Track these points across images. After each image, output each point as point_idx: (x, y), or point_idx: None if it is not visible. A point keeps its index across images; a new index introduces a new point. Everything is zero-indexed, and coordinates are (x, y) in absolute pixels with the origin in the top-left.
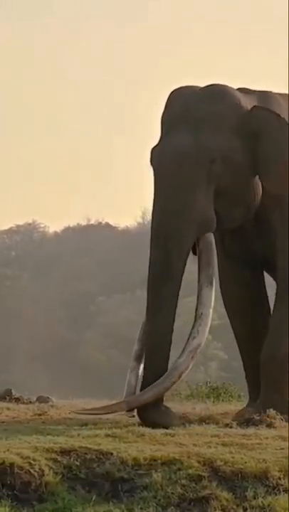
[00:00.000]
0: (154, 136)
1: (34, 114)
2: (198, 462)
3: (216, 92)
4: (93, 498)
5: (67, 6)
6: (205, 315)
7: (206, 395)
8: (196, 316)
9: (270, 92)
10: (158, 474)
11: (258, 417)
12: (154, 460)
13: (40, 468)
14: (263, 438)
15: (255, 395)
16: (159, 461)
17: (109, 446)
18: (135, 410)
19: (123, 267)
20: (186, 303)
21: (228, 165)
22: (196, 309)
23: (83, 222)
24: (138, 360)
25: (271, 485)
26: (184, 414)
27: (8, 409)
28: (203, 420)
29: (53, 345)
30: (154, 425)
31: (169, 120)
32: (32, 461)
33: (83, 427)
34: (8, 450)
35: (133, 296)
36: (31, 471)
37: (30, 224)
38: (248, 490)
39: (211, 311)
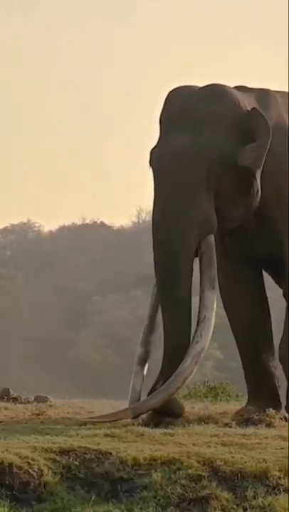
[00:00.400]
0: (150, 135)
1: (30, 114)
2: (198, 462)
3: (215, 92)
4: (92, 498)
5: (67, 5)
6: (208, 318)
7: (203, 395)
8: (198, 319)
9: (269, 90)
10: (157, 474)
11: (258, 417)
12: (154, 460)
13: (39, 468)
14: (262, 438)
15: (254, 395)
16: (159, 461)
17: (109, 446)
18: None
19: (118, 266)
20: None
21: (228, 165)
22: (199, 312)
23: (78, 222)
24: (142, 364)
25: (271, 485)
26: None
27: (6, 408)
28: (202, 420)
29: (49, 344)
30: (164, 413)
31: (168, 120)
32: (31, 461)
33: (82, 427)
34: (6, 450)
35: (128, 295)
36: (30, 471)
37: (25, 223)
38: (248, 490)
39: (213, 314)
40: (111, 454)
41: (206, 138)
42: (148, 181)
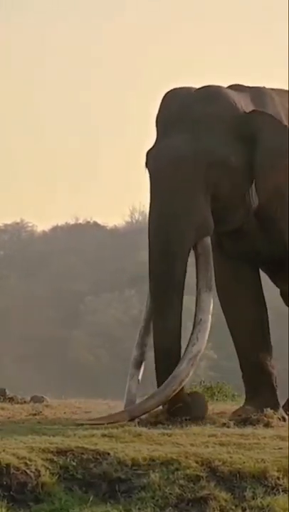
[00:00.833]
0: (144, 135)
1: (22, 113)
2: (196, 462)
3: (212, 94)
4: (90, 499)
5: (66, 5)
6: (204, 321)
7: None
8: (195, 321)
9: (263, 88)
10: (156, 474)
11: (255, 417)
12: (152, 460)
13: (36, 469)
14: (260, 438)
15: (252, 394)
16: (157, 462)
17: (106, 446)
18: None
19: (111, 266)
20: None
21: (226, 168)
22: (195, 315)
23: (71, 222)
24: (137, 366)
25: (270, 485)
26: None
27: (2, 409)
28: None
29: (42, 344)
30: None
31: (165, 121)
32: (28, 462)
33: (79, 427)
34: (4, 450)
35: (122, 295)
36: (27, 471)
37: (18, 223)
38: (247, 490)
39: (210, 316)
40: (109, 454)
41: (204, 140)
42: (141, 181)
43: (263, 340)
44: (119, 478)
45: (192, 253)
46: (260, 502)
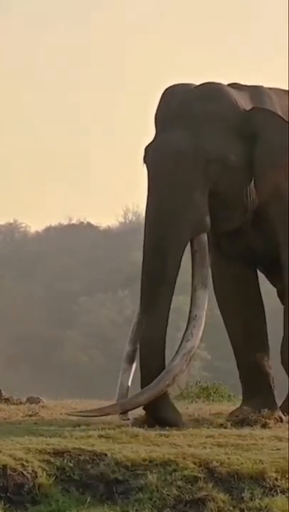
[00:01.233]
0: (137, 136)
1: (15, 114)
2: (194, 463)
3: (212, 91)
4: (87, 500)
5: (66, 5)
6: (199, 317)
7: (196, 395)
8: (189, 317)
9: (261, 86)
10: (153, 476)
11: (253, 417)
12: (149, 461)
13: (33, 470)
14: (258, 438)
15: (249, 395)
16: (154, 463)
17: (103, 447)
18: (128, 413)
19: (105, 267)
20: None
21: (225, 165)
22: (190, 311)
23: (65, 222)
24: (130, 361)
25: (268, 486)
26: None
27: None
28: (196, 420)
29: (36, 344)
30: (163, 422)
31: (164, 117)
32: (25, 463)
33: (76, 428)
34: (0, 452)
35: (115, 295)
36: (24, 472)
37: (11, 224)
38: (245, 491)
39: (204, 313)
40: (106, 455)
41: (204, 137)
42: (135, 182)
43: (260, 341)
44: (117, 480)
45: (187, 250)
46: (259, 503)
